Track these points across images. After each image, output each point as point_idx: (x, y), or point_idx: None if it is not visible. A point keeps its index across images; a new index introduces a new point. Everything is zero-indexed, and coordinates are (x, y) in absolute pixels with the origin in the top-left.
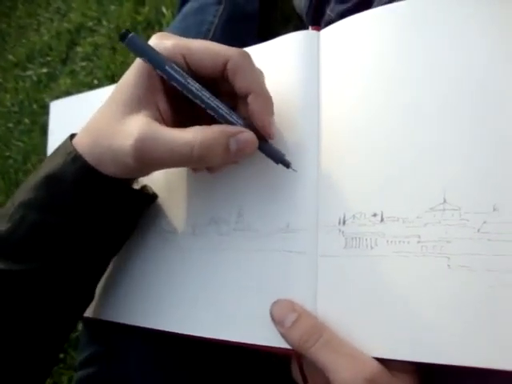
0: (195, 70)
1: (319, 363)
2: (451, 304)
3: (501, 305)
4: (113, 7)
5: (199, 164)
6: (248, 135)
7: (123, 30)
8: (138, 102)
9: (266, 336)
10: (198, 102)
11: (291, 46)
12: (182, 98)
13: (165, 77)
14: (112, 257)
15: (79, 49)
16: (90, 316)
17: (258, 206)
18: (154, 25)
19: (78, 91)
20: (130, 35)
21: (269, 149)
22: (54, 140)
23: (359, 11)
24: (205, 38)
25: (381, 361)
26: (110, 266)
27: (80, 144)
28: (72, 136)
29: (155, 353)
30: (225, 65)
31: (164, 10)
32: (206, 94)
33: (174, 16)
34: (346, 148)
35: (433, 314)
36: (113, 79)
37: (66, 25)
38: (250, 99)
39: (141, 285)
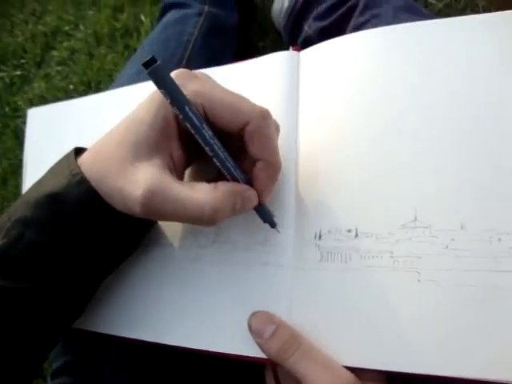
0: (212, 122)
1: (297, 373)
2: (421, 316)
3: (468, 317)
4: (90, 12)
5: (206, 224)
6: (251, 194)
7: (148, 57)
8: (151, 147)
9: (242, 346)
10: (207, 149)
11: (271, 67)
12: (193, 142)
13: (180, 116)
14: (107, 276)
15: (55, 53)
16: None
17: (237, 220)
18: (133, 32)
19: (53, 96)
20: (157, 64)
21: (262, 209)
22: (32, 148)
23: (336, 29)
24: (185, 49)
25: (353, 370)
26: None
27: (86, 167)
28: (76, 151)
29: (130, 362)
30: (244, 125)
31: (143, 17)
32: (217, 144)
33: (152, 25)
34: (323, 167)
35: (403, 325)
36: (89, 85)
37: (41, 27)
38: (259, 164)
39: (119, 295)
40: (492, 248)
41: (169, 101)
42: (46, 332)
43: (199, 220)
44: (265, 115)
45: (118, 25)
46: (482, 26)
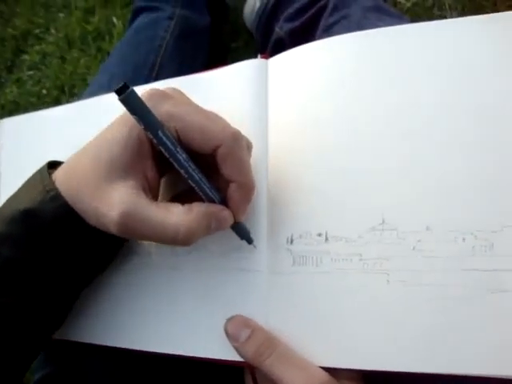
0: (185, 143)
1: (273, 375)
2: (390, 316)
3: (435, 316)
4: (61, 15)
5: (181, 245)
6: (226, 214)
7: (121, 84)
8: (125, 168)
9: (221, 350)
10: (181, 171)
11: (240, 75)
12: (166, 162)
13: (154, 141)
14: (84, 288)
15: (26, 57)
16: None
17: None
18: (105, 35)
19: (26, 101)
20: (128, 91)
21: (238, 227)
22: (6, 158)
23: (307, 29)
24: (157, 53)
25: (328, 370)
26: None
27: (60, 184)
28: (49, 165)
29: (113, 371)
30: (216, 148)
31: (115, 20)
32: (191, 166)
33: (125, 27)
34: (293, 173)
35: (374, 325)
36: (62, 89)
37: (10, 30)
38: (233, 185)
39: (98, 304)
40: (457, 248)
41: (142, 127)
42: (25, 345)
43: (174, 241)
44: (236, 137)
45: (89, 28)
46: (457, 28)
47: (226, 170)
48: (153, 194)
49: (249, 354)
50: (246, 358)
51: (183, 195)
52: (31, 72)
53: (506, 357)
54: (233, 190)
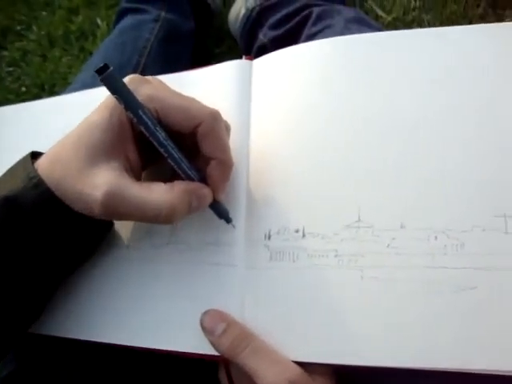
0: (165, 124)
1: (247, 369)
2: (364, 311)
3: (407, 311)
4: (44, 13)
5: (163, 223)
6: (206, 191)
7: (101, 64)
8: (107, 150)
9: (196, 344)
10: (161, 150)
11: (225, 75)
12: (147, 143)
13: (134, 120)
14: (65, 277)
15: (5, 53)
16: None
17: (190, 222)
18: (88, 35)
19: (4, 97)
20: (109, 70)
21: (217, 206)
22: None
23: (290, 38)
24: (141, 54)
25: (301, 365)
26: None
27: (43, 171)
28: (32, 155)
29: (84, 365)
30: (196, 126)
31: (99, 21)
32: (170, 145)
33: (109, 28)
34: (272, 171)
35: (347, 320)
36: (42, 88)
37: None
38: (212, 163)
39: (74, 297)
40: (429, 246)
41: (123, 106)
42: (1, 336)
43: (157, 219)
44: (215, 116)
45: (73, 27)
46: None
47: (206, 147)
48: (135, 175)
49: (224, 348)
50: (221, 352)
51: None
52: (10, 68)
53: (473, 351)
54: (212, 167)
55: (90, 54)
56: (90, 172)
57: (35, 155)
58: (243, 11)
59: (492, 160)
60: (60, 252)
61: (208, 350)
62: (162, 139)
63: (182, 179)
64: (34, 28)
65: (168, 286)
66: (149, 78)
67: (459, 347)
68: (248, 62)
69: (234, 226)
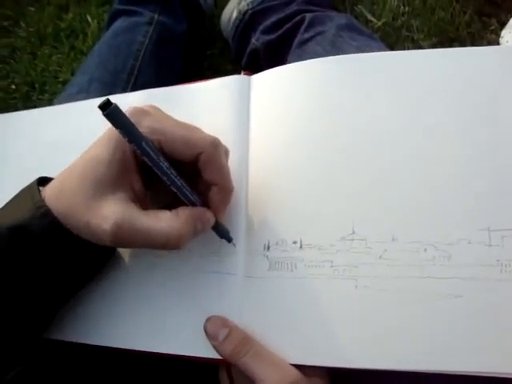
0: (167, 153)
1: (248, 372)
2: (357, 318)
3: (397, 318)
4: (32, 9)
5: (171, 249)
6: (209, 215)
7: (104, 100)
8: (112, 183)
9: (199, 348)
10: (164, 179)
11: (223, 90)
12: (150, 171)
13: (138, 152)
14: (65, 303)
15: None
16: None
17: None
18: (79, 33)
19: None
20: (112, 106)
21: (218, 227)
22: None
23: (282, 43)
24: (135, 58)
25: (299, 368)
26: None
27: (50, 201)
28: (39, 182)
29: (88, 368)
30: (198, 155)
31: (89, 18)
32: (173, 173)
33: (100, 27)
34: (271, 185)
35: (342, 326)
36: (33, 86)
37: None
38: (213, 188)
39: (76, 302)
40: (419, 257)
41: (126, 139)
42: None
43: (165, 246)
44: (215, 144)
45: (62, 25)
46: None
47: (207, 174)
48: (141, 204)
49: (227, 352)
50: (223, 356)
51: (169, 207)
52: None
53: (459, 354)
54: (213, 192)
55: (81, 52)
56: (96, 204)
57: (41, 181)
58: (235, 14)
59: (478, 177)
60: (65, 277)
61: (210, 353)
62: (165, 169)
63: (183, 201)
64: (22, 24)
65: (170, 291)
66: (148, 108)
67: (446, 351)
68: (246, 77)
69: (234, 245)
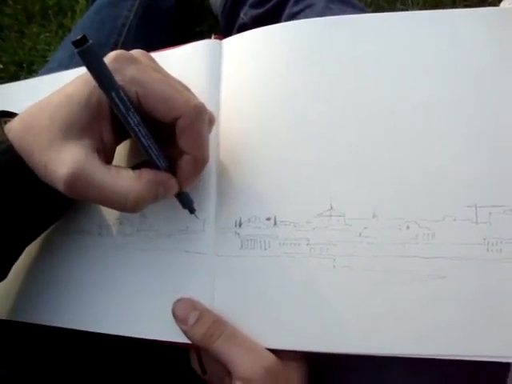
0: (145, 109)
1: (221, 357)
2: (336, 299)
3: (378, 299)
4: None
5: (128, 211)
6: (173, 183)
7: (80, 35)
8: (82, 128)
9: (168, 332)
10: (132, 134)
11: (194, 55)
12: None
13: (108, 100)
14: (27, 245)
15: None
16: None
17: (160, 209)
18: (67, 11)
19: None
20: (88, 44)
21: (182, 196)
22: None
23: (271, 17)
24: (119, 32)
25: (274, 351)
26: (15, 266)
27: (15, 137)
28: (3, 113)
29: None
30: (176, 118)
31: None
32: (142, 131)
33: (88, 4)
34: (243, 157)
35: (319, 308)
36: (21, 65)
37: None
38: (186, 157)
39: (46, 284)
40: (401, 235)
41: (97, 84)
42: None
43: (122, 207)
44: (198, 110)
45: (50, 2)
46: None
47: (183, 142)
48: (107, 157)
49: (197, 337)
50: (194, 341)
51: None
52: None
53: (443, 338)
54: (185, 161)
55: (69, 30)
56: (59, 146)
57: (6, 115)
58: None
59: (465, 151)
60: (24, 216)
61: (179, 337)
62: (132, 124)
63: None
64: (10, 1)
65: (137, 273)
66: (138, 56)
67: (430, 335)
68: (217, 41)
69: (197, 217)
